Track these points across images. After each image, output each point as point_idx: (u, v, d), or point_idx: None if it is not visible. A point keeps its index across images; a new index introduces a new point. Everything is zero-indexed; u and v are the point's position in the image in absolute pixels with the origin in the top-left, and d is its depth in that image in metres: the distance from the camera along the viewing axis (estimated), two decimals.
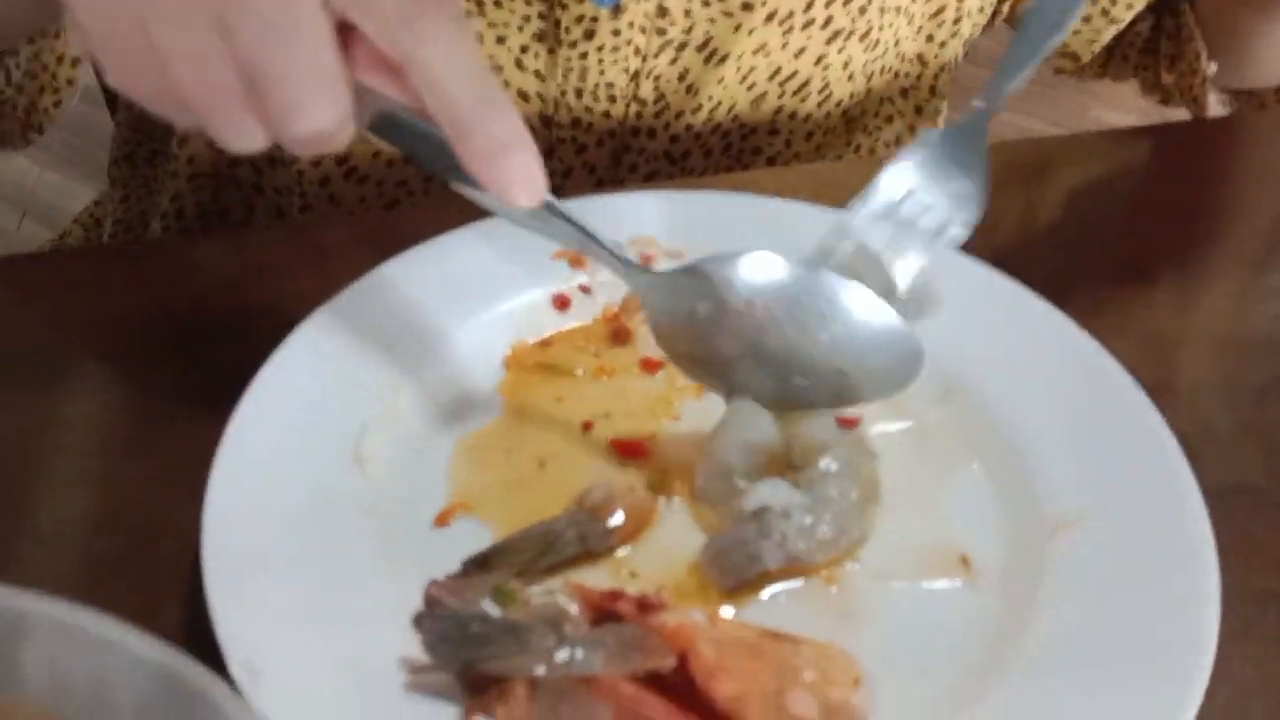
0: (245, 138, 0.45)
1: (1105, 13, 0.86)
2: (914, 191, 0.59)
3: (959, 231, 0.58)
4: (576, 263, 0.62)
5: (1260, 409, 0.61)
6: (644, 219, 0.65)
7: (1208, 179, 0.80)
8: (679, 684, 0.45)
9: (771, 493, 0.51)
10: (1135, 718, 0.43)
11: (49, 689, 0.37)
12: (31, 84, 0.76)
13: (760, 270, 0.53)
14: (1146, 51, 0.92)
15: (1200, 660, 0.44)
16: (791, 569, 0.50)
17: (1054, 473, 0.54)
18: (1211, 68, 0.86)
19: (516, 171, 0.44)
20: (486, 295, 0.60)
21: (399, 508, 0.52)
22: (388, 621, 0.46)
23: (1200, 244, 0.73)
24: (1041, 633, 0.47)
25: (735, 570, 0.49)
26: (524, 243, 0.62)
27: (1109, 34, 0.89)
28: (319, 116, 0.43)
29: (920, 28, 0.83)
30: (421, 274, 0.60)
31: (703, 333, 0.54)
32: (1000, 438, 0.56)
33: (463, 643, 0.44)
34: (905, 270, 0.57)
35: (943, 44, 0.85)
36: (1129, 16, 0.87)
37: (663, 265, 0.63)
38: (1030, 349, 0.59)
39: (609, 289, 0.63)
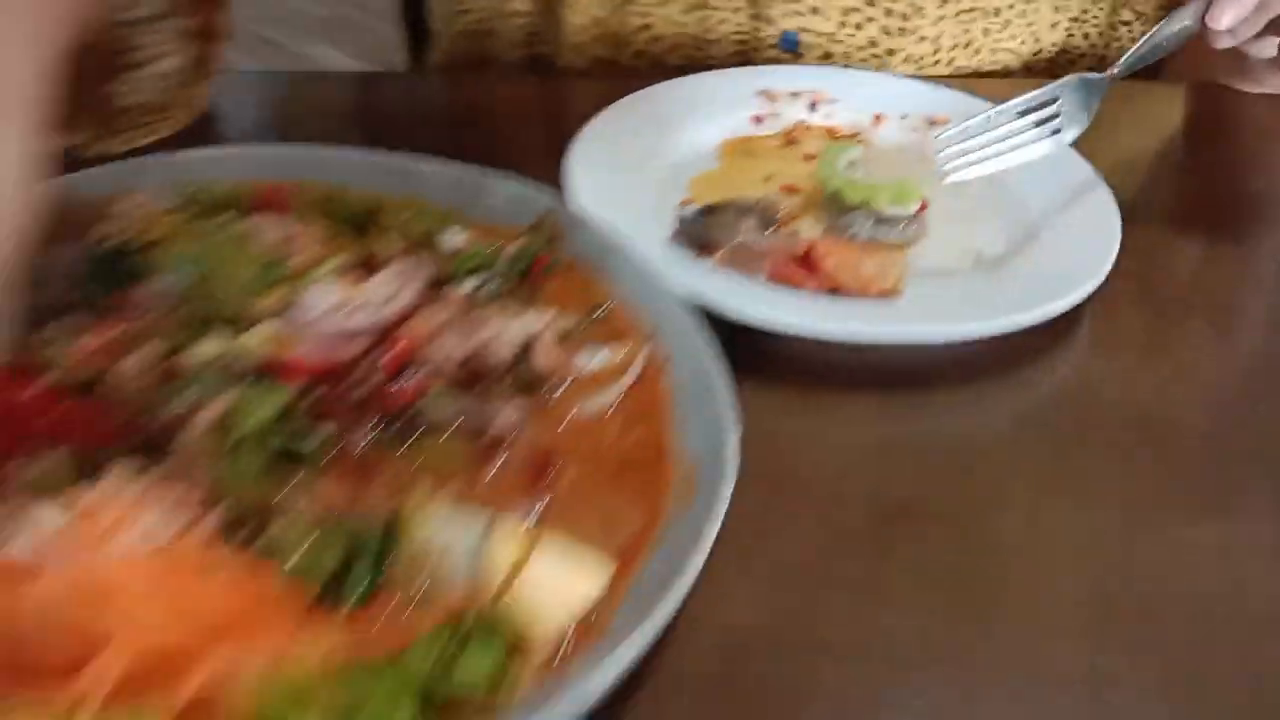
0: None
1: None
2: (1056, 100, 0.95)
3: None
4: (768, 97, 1.06)
5: None
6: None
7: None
8: (806, 263, 0.86)
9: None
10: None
11: None
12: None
13: None
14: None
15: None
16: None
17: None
18: None
19: None
20: (705, 113, 1.04)
21: None
22: None
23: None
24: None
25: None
26: (730, 90, 1.07)
27: None
28: None
29: None
30: (668, 97, 1.04)
31: None
32: (1006, 215, 0.97)
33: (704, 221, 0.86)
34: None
35: None
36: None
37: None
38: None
39: (783, 118, 1.06)
